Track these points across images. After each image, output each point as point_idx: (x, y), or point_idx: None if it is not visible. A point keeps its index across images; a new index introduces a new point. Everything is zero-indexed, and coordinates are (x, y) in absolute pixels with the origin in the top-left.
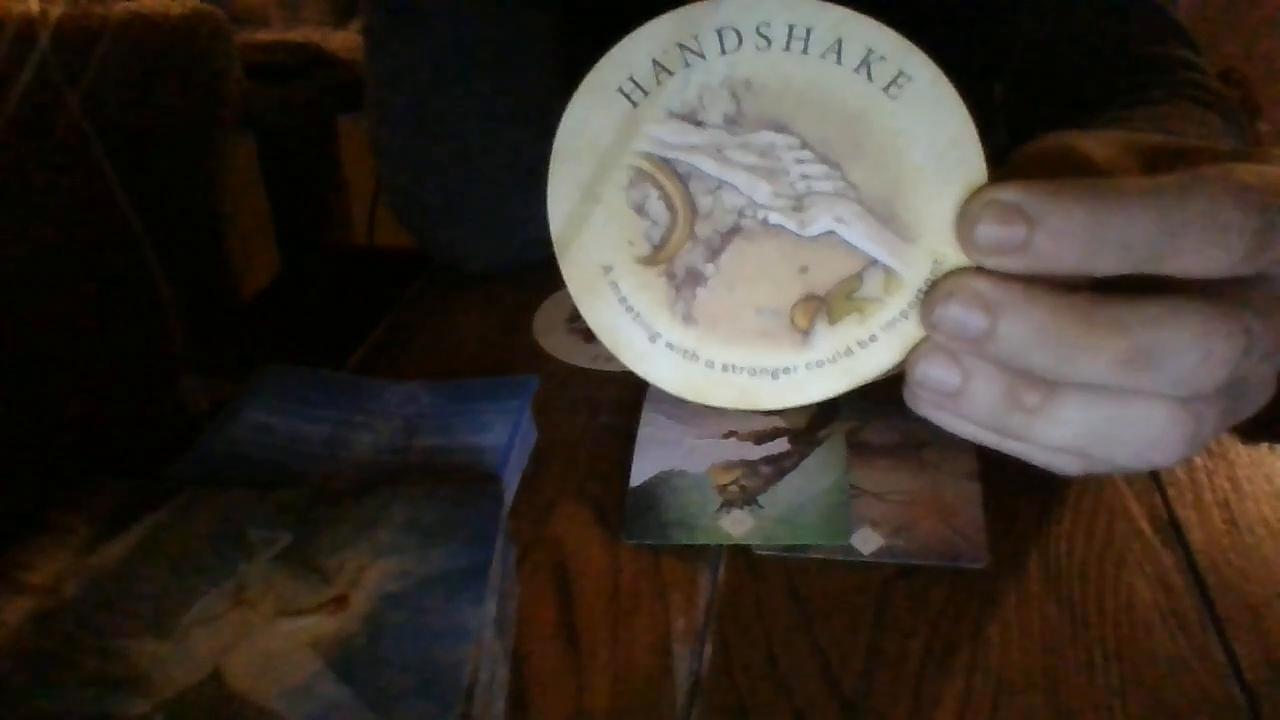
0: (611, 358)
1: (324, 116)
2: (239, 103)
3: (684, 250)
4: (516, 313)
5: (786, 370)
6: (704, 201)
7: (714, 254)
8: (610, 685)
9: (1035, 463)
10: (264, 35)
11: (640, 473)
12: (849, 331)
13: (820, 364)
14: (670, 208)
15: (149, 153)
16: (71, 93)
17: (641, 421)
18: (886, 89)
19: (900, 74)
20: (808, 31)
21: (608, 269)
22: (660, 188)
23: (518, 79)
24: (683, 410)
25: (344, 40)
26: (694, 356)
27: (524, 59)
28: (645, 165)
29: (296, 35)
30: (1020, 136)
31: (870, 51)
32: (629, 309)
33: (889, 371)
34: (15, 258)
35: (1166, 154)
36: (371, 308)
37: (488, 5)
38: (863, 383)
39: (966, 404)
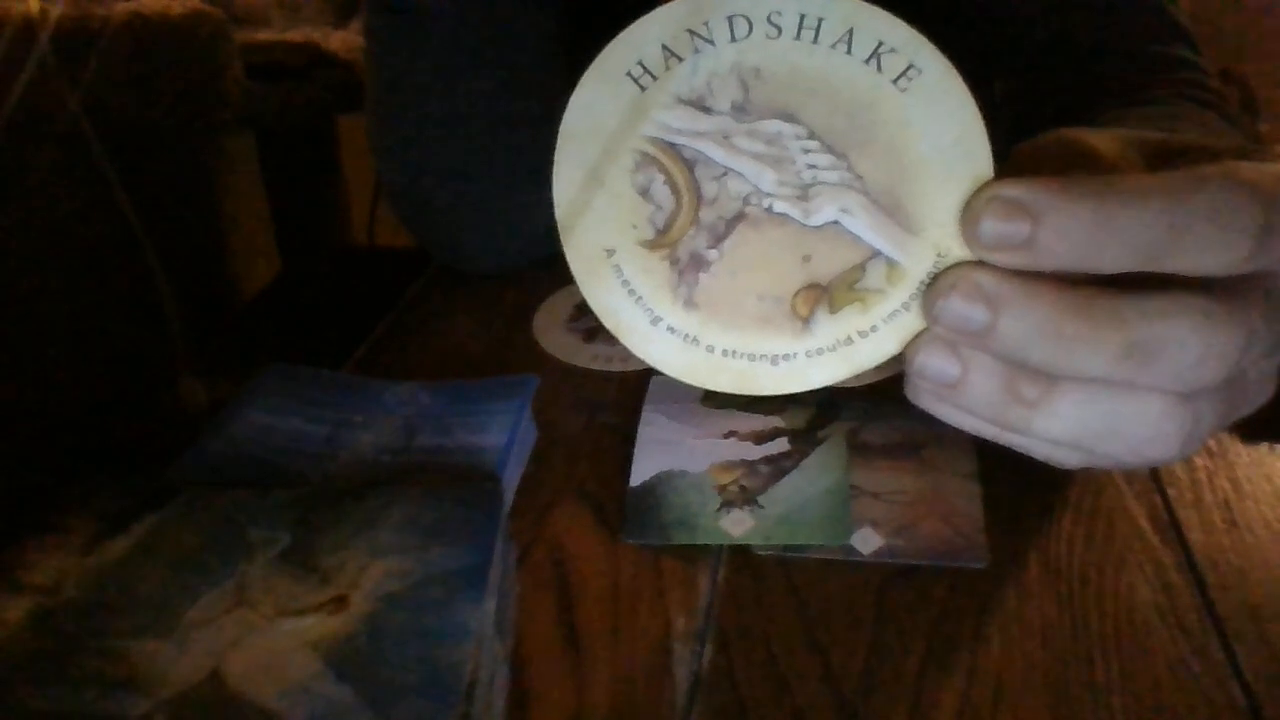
0: (611, 358)
1: (324, 116)
2: (239, 103)
3: (688, 235)
4: (516, 313)
5: (786, 357)
6: (709, 187)
7: (718, 240)
8: (610, 685)
9: (1033, 455)
10: (264, 35)
11: (640, 473)
12: (850, 321)
13: (820, 352)
14: (675, 192)
15: (149, 153)
16: (71, 93)
17: (641, 421)
18: (896, 81)
19: (910, 67)
20: (819, 21)
21: (611, 252)
22: (666, 172)
23: (519, 79)
24: (683, 410)
25: (344, 40)
26: (695, 341)
27: (525, 59)
28: (651, 150)
29: (296, 35)
30: (1020, 136)
31: (881, 43)
32: (631, 292)
33: (889, 361)
34: (15, 258)
35: (1169, 151)
36: (371, 308)
37: (489, 5)
38: (862, 371)
39: (965, 396)
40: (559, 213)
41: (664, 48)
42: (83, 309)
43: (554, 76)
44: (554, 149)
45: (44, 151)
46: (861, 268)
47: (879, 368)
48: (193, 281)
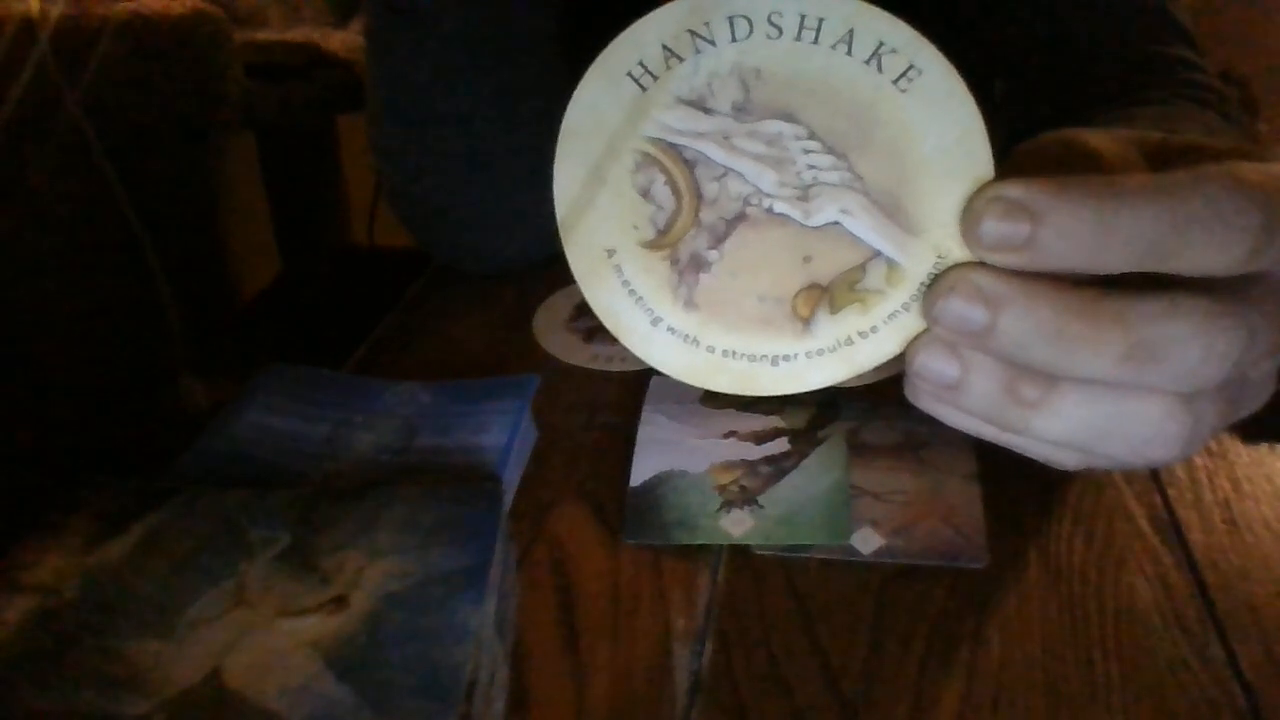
0: (611, 358)
1: (324, 116)
2: (239, 103)
3: (688, 236)
4: (516, 313)
5: (787, 357)
6: (710, 188)
7: (718, 240)
8: (610, 685)
9: (1033, 456)
10: (264, 35)
11: (640, 473)
12: (850, 322)
13: (820, 352)
14: (676, 193)
15: (149, 153)
16: (71, 93)
17: (641, 421)
18: (896, 81)
19: (911, 67)
20: (819, 22)
21: (611, 252)
22: (666, 173)
23: (519, 79)
24: (683, 410)
25: (344, 40)
26: (695, 341)
27: (526, 59)
28: (652, 150)
29: (296, 35)
30: (1020, 136)
31: (882, 44)
32: (632, 292)
33: (888, 361)
34: (15, 258)
35: (1170, 151)
36: (371, 308)
37: (489, 5)
38: (862, 372)
39: (965, 397)
40: (560, 212)
41: (665, 48)
42: (83, 309)
43: (554, 77)
44: (554, 149)
45: (44, 151)
46: (862, 268)
47: (879, 368)
48: (193, 281)
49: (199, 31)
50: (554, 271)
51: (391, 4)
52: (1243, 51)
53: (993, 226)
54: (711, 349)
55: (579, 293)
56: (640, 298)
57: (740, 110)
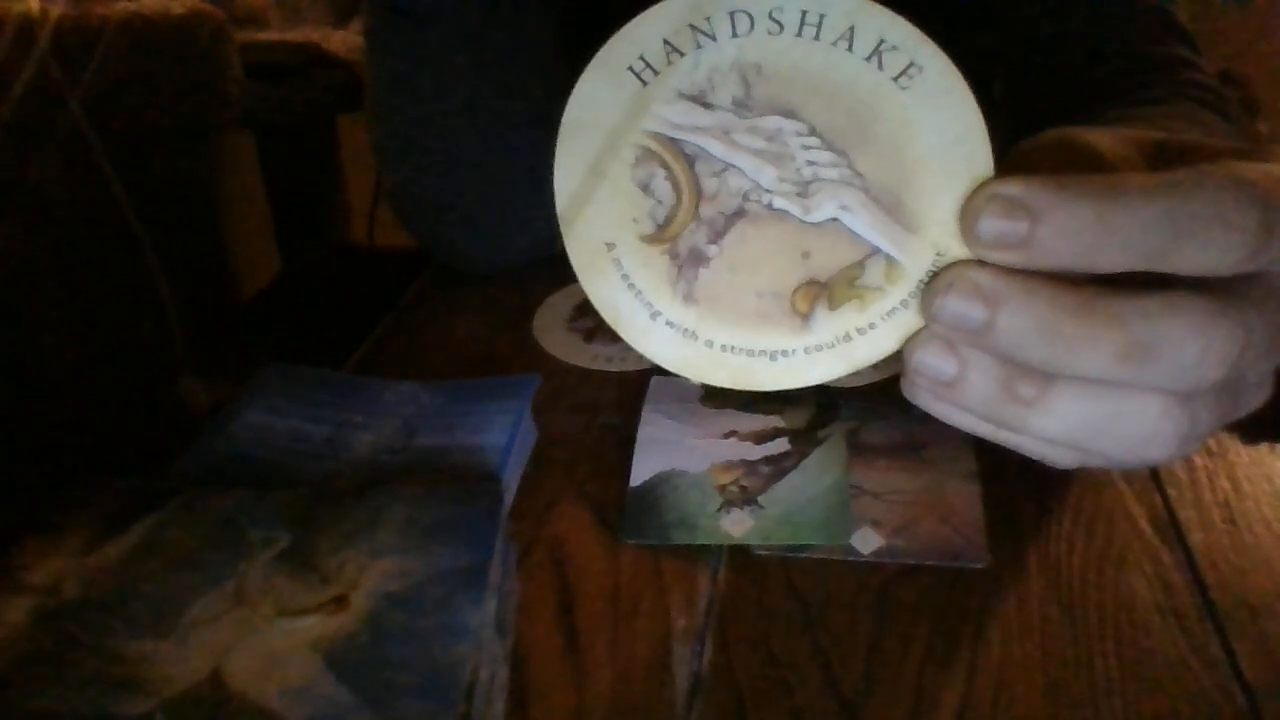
0: (611, 358)
1: (324, 116)
2: (239, 103)
3: (687, 230)
4: (516, 313)
5: (785, 353)
6: (709, 183)
7: (717, 235)
8: (610, 685)
9: (1030, 454)
10: (264, 35)
11: (640, 473)
12: (848, 318)
13: (819, 348)
14: (676, 188)
15: (149, 153)
16: (71, 93)
17: (641, 421)
18: (897, 79)
19: (911, 64)
20: (820, 18)
21: (611, 246)
22: (666, 167)
23: (519, 80)
24: (683, 410)
25: (344, 40)
26: (693, 335)
27: (526, 60)
28: (652, 144)
29: (296, 35)
30: (1020, 136)
31: (882, 41)
32: (631, 286)
33: (887, 360)
34: (15, 258)
35: (1170, 150)
36: (371, 308)
37: (489, 6)
38: (860, 368)
39: (962, 394)
40: (560, 206)
41: (666, 43)
42: (83, 309)
43: (554, 76)
44: (554, 148)
45: (44, 151)
46: (861, 265)
47: (877, 366)
48: (193, 281)
49: (199, 31)
50: (554, 271)
51: (391, 4)
52: (1243, 52)
53: (991, 224)
54: (710, 343)
55: (579, 293)
56: (639, 291)
57: (741, 105)
